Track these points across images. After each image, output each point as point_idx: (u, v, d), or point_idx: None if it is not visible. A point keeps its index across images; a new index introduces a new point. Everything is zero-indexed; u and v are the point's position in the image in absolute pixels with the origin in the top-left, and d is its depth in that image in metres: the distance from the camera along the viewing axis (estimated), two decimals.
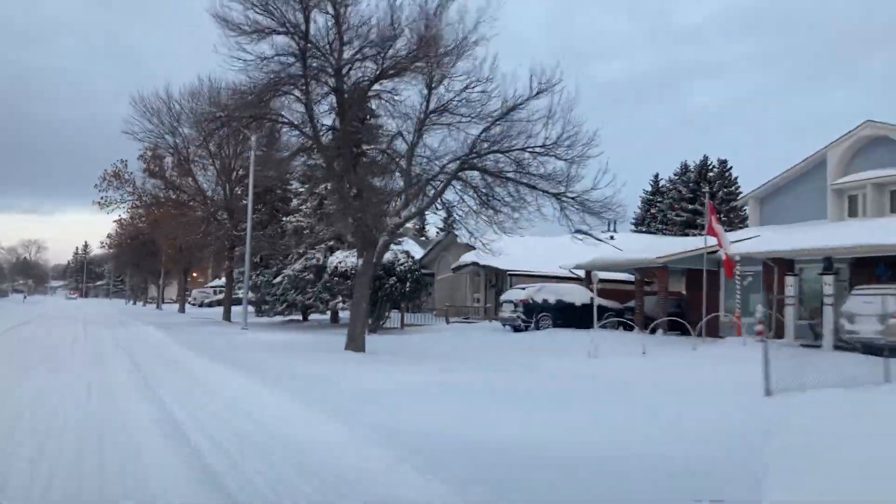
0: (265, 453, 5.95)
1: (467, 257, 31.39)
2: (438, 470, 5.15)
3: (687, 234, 43.97)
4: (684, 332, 19.05)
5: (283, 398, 8.95)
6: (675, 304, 23.73)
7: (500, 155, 16.37)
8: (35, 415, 7.50)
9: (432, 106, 17.06)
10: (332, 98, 16.39)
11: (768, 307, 18.73)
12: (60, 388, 9.38)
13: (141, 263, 60.80)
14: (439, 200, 17.59)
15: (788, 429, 6.75)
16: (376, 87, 16.68)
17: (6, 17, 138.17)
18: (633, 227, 49.24)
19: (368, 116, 19.03)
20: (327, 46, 15.30)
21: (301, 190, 30.93)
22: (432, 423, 7.20)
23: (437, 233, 54.97)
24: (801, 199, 23.85)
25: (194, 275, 68.56)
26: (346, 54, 14.52)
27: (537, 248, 30.50)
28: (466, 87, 16.75)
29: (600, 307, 23.03)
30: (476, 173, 17.07)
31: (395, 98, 17.23)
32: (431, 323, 27.63)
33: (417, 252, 38.03)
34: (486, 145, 16.42)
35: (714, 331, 20.17)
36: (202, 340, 19.29)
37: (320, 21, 15.11)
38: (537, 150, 16.15)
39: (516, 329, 22.60)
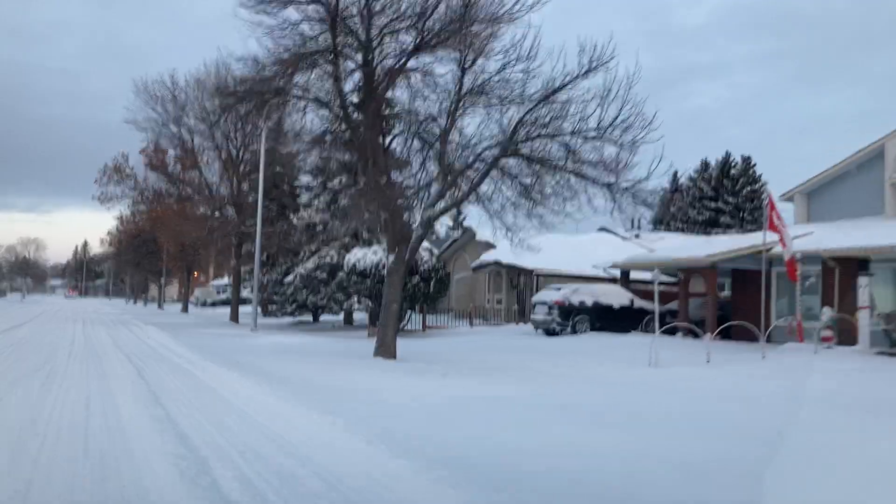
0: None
1: (488, 256, 29.72)
2: None
3: (710, 233, 42.28)
4: (724, 335, 17.33)
5: (323, 423, 7.28)
6: (719, 306, 22.05)
7: (547, 140, 14.70)
8: (22, 445, 5.82)
9: (467, 87, 15.41)
10: (358, 77, 14.75)
11: (832, 310, 17.06)
12: (53, 408, 7.70)
13: (142, 262, 59.13)
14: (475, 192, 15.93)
15: None
16: (409, 63, 15.00)
17: (4, 16, 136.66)
18: (650, 227, 47.60)
19: (392, 105, 17.33)
20: (356, 17, 13.62)
21: (313, 184, 29.29)
22: (519, 454, 5.66)
23: (448, 231, 53.27)
24: (855, 194, 22.20)
25: (195, 274, 66.81)
26: (378, 22, 12.84)
27: (560, 247, 28.76)
28: (505, 66, 15.13)
29: (640, 310, 21.41)
30: (517, 161, 15.44)
31: (428, 77, 15.57)
32: (453, 325, 25.93)
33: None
34: (528, 129, 14.76)
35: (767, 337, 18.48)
36: (212, 344, 17.61)
37: None
38: (589, 134, 14.46)
39: (549, 333, 20.92)
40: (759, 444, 6.36)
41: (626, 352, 16.42)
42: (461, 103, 15.56)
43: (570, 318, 20.37)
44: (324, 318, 32.96)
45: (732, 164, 46.25)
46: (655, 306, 14.50)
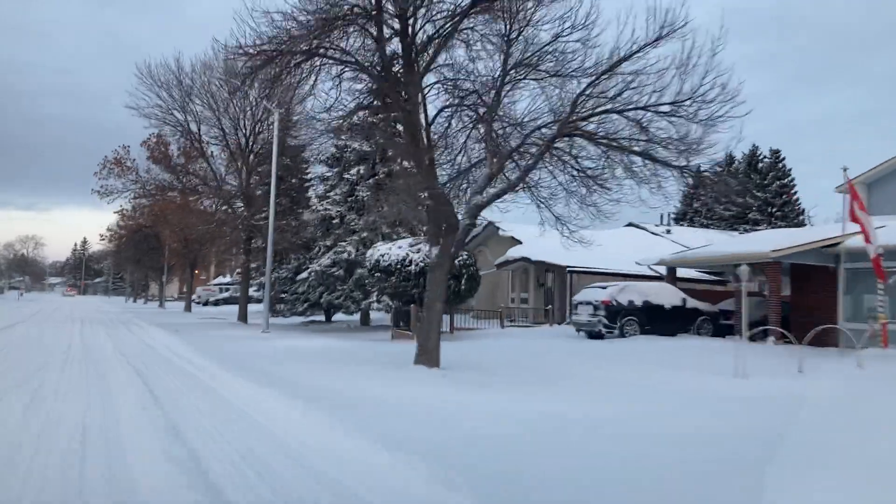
0: None
1: (515, 252, 27.83)
2: None
3: (736, 229, 40.46)
4: (783, 339, 15.43)
5: (396, 463, 5.43)
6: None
7: (610, 117, 12.79)
8: None
9: (515, 59, 13.51)
10: (395, 46, 12.83)
11: None
12: (38, 446, 5.81)
13: (142, 258, 57.17)
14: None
15: None
16: (451, 32, 13.07)
17: (3, 14, 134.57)
18: (673, 223, 45.73)
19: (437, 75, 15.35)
20: None
21: (329, 174, 27.37)
22: None
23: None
24: None
25: (195, 272, 64.87)
26: None
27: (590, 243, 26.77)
28: (558, 36, 13.23)
29: (693, 310, 19.55)
30: (567, 143, 13.54)
31: (471, 49, 13.66)
32: (482, 326, 24.02)
33: None
34: (592, 103, 12.86)
35: (830, 340, 16.59)
36: (226, 350, 15.72)
37: None
38: (662, 109, 12.55)
39: (592, 335, 19.03)
40: None
41: (693, 358, 14.54)
42: (508, 79, 13.69)
43: (618, 319, 18.46)
44: (336, 317, 31.08)
45: (760, 157, 44.31)
46: (743, 306, 12.61)
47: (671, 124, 12.42)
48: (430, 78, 12.68)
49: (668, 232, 33.34)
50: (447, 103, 12.88)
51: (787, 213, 40.61)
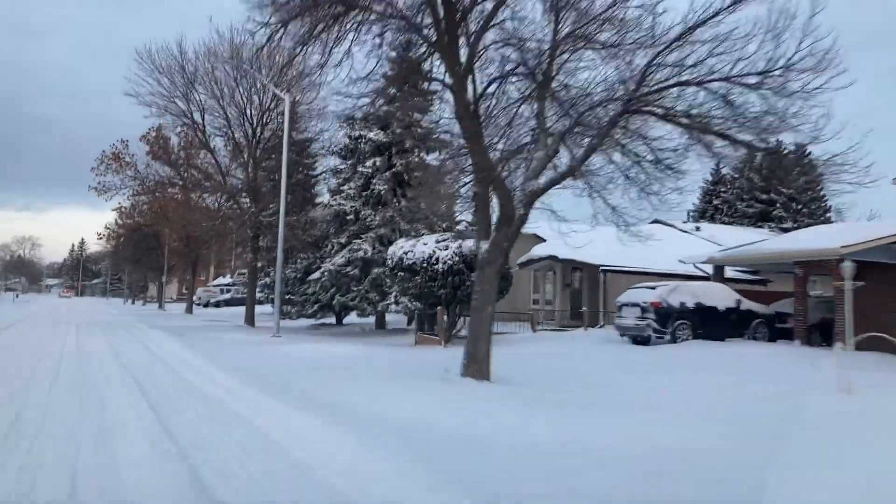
0: None
1: (540, 250, 26.10)
2: None
3: (760, 227, 38.76)
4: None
5: None
6: (831, 308, 18.45)
7: (691, 89, 11.08)
8: None
9: (566, 28, 11.81)
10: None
11: None
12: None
13: (142, 258, 55.35)
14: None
15: None
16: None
17: (2, 13, 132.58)
18: (692, 220, 44.07)
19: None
20: None
21: (342, 167, 25.63)
22: None
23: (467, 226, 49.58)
24: None
25: (196, 271, 63.06)
26: None
27: (604, 240, 25.03)
28: (616, 1, 11.56)
29: (747, 312, 17.85)
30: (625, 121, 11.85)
31: (517, 19, 11.95)
32: (509, 330, 22.30)
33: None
34: (665, 73, 11.16)
35: (885, 347, 14.86)
36: (240, 358, 13.97)
37: None
38: (748, 79, 10.83)
39: (638, 341, 17.33)
40: None
41: (770, 368, 12.88)
42: (558, 50, 11.99)
43: (669, 322, 16.75)
44: (347, 320, 29.33)
45: (783, 153, 42.68)
46: (847, 310, 10.89)
47: (762, 98, 10.74)
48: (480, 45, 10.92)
49: (698, 229, 31.67)
50: (498, 74, 11.13)
51: (814, 210, 38.95)
